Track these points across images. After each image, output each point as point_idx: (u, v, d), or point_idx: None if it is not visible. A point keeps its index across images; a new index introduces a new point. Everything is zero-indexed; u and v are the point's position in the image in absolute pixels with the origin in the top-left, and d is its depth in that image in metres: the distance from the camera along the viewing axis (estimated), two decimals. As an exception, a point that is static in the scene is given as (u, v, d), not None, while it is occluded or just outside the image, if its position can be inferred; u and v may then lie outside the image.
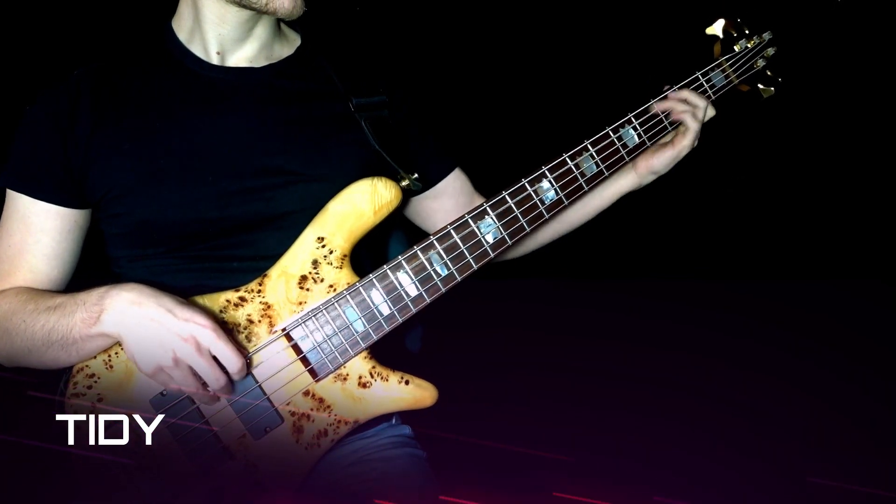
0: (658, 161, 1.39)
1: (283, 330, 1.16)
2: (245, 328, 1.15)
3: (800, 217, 4.13)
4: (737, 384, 3.06)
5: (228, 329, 1.14)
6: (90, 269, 1.30)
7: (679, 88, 1.40)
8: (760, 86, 1.49)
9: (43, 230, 1.21)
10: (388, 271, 1.18)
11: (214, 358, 1.06)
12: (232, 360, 1.07)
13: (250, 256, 1.22)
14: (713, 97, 1.42)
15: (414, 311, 1.18)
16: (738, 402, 2.91)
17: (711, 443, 2.60)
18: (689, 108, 1.36)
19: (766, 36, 1.47)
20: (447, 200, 1.47)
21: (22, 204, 1.21)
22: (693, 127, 1.37)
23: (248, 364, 1.13)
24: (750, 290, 3.88)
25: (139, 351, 1.05)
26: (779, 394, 3.00)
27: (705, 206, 3.98)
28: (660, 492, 2.30)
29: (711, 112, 1.41)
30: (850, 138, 3.93)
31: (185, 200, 1.19)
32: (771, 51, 1.47)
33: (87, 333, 1.07)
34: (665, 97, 1.38)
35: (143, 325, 1.05)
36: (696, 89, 1.40)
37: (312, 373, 1.17)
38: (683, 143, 1.37)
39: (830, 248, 4.05)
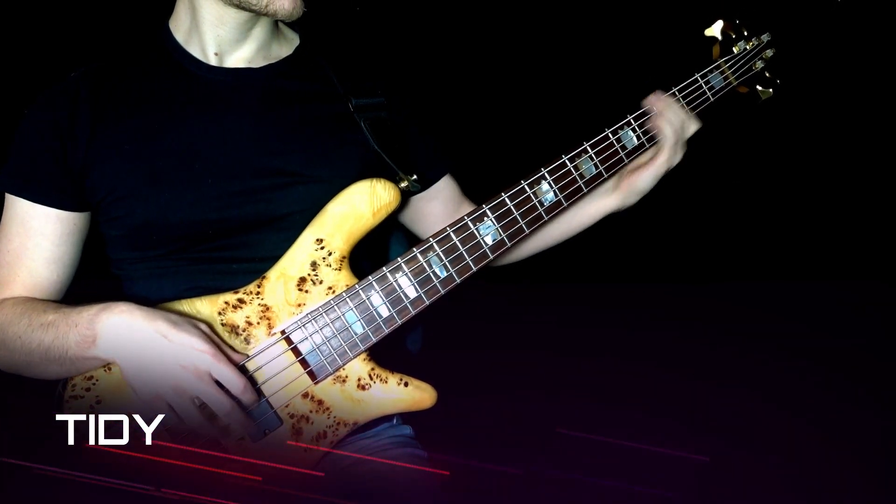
0: (638, 179, 1.34)
1: (283, 332, 1.16)
2: (244, 330, 1.15)
3: (798, 218, 4.13)
4: (737, 385, 3.07)
5: (225, 339, 1.14)
6: (90, 272, 1.30)
7: (668, 95, 1.34)
8: (759, 87, 1.49)
9: (43, 234, 1.21)
10: (387, 273, 1.18)
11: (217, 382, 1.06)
12: (234, 382, 1.05)
13: (250, 258, 1.22)
14: (712, 98, 1.41)
15: (413, 313, 1.18)
16: (738, 403, 2.91)
17: (711, 443, 2.60)
18: (671, 116, 1.31)
19: (765, 37, 1.47)
20: (437, 205, 1.46)
21: (21, 208, 1.21)
22: (668, 142, 1.31)
23: (246, 370, 1.13)
24: (748, 292, 3.89)
25: (137, 380, 1.05)
26: (779, 394, 3.00)
27: (704, 207, 3.98)
28: (661, 494, 2.31)
29: (694, 126, 1.36)
30: (849, 139, 3.93)
31: (184, 202, 1.18)
32: (770, 52, 1.47)
33: (83, 355, 1.07)
34: (654, 94, 1.34)
35: (140, 352, 1.04)
36: (694, 91, 1.39)
37: (311, 375, 1.17)
38: (660, 160, 1.31)
39: (829, 248, 4.05)
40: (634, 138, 1.33)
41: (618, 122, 1.33)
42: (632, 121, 1.33)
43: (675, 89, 1.38)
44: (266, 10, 1.16)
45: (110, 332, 1.05)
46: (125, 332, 1.05)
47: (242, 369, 1.12)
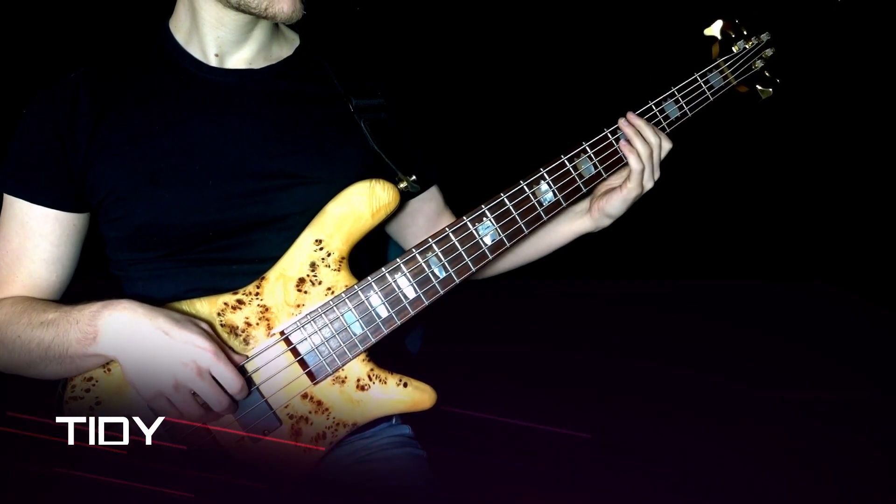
0: (608, 204, 1.32)
1: (282, 333, 1.16)
2: (243, 331, 1.15)
3: (797, 217, 4.14)
4: (734, 384, 3.07)
5: (224, 340, 1.14)
6: (90, 272, 1.30)
7: (638, 116, 1.31)
8: (759, 87, 1.49)
9: (42, 235, 1.21)
10: (386, 274, 1.18)
11: (214, 378, 1.07)
12: (232, 382, 1.07)
13: (249, 259, 1.22)
14: (711, 98, 1.41)
15: (412, 313, 1.18)
16: (727, 401, 2.92)
17: (711, 443, 2.61)
18: (638, 146, 1.28)
19: (765, 37, 1.47)
20: (421, 214, 1.45)
21: (20, 208, 1.21)
22: (637, 169, 1.28)
23: (245, 371, 1.14)
24: (748, 291, 3.89)
25: (138, 376, 1.05)
26: (756, 393, 3.02)
27: (700, 206, 3.98)
28: (657, 493, 2.31)
29: (668, 146, 1.34)
30: (849, 139, 3.93)
31: (184, 203, 1.18)
32: (769, 52, 1.47)
33: (84, 353, 1.07)
34: (626, 118, 1.31)
35: (141, 349, 1.05)
36: (694, 90, 1.38)
37: (311, 375, 1.17)
38: (629, 187, 1.29)
39: (828, 248, 4.05)
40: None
41: (616, 122, 1.33)
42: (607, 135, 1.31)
43: (674, 89, 1.38)
44: (265, 12, 1.16)
45: (112, 328, 1.05)
46: (127, 329, 1.05)
47: (242, 370, 1.12)
